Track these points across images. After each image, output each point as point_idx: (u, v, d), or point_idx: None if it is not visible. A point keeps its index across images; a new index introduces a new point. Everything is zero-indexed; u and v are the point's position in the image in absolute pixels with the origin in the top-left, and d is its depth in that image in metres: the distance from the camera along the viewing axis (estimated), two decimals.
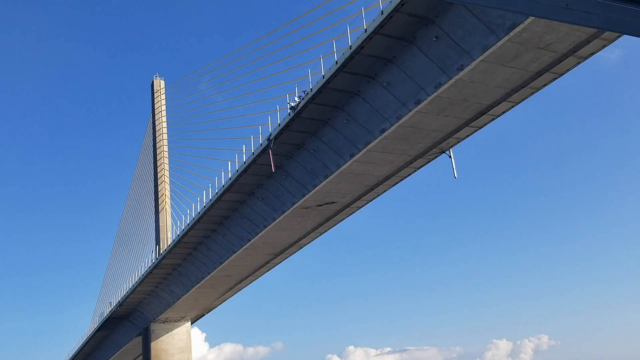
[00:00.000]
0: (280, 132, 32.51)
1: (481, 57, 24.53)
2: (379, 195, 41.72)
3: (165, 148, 76.65)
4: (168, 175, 74.50)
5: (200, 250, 49.62)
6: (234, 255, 46.57)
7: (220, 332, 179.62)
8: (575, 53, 25.92)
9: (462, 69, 25.20)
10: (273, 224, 40.78)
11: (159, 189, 74.61)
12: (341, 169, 33.53)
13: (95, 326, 74.88)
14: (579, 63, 27.91)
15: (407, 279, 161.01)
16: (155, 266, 53.43)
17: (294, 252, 52.84)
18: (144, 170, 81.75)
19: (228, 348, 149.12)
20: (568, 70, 28.39)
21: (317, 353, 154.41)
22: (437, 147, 33.59)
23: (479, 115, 30.00)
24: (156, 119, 78.37)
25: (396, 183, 39.85)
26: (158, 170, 75.52)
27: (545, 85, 29.57)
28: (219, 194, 40.19)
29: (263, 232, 42.11)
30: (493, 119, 32.70)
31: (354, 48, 26.21)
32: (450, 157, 36.55)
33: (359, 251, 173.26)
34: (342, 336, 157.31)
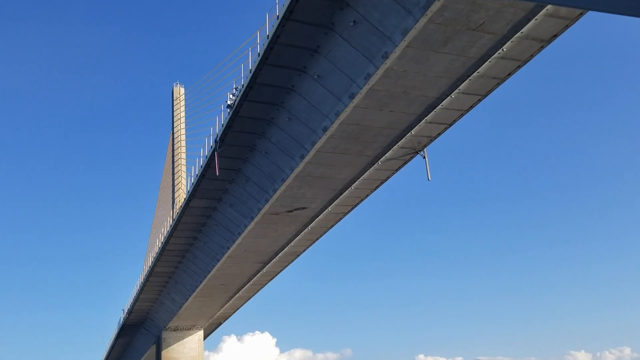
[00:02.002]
0: (225, 133, 30.60)
1: (404, 43, 21.65)
2: (361, 200, 39.21)
3: (183, 155, 76.55)
4: (184, 183, 74.24)
5: (189, 258, 48.39)
6: (219, 264, 44.96)
7: (291, 337, 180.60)
8: (522, 34, 22.64)
9: (387, 57, 22.38)
10: (246, 231, 38.84)
11: (176, 197, 74.48)
12: (296, 172, 31.20)
13: (115, 333, 75.39)
14: (542, 47, 24.63)
15: (478, 284, 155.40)
16: (150, 274, 52.71)
17: (292, 260, 50.93)
18: (167, 178, 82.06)
19: (298, 354, 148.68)
20: (532, 56, 25.13)
21: None
22: (398, 146, 30.80)
23: (430, 109, 26.97)
24: (175, 126, 78.52)
25: (377, 186, 37.25)
26: (175, 177, 75.43)
27: (510, 74, 26.36)
28: (186, 200, 38.79)
29: (239, 239, 40.26)
30: (462, 114, 29.67)
31: (270, 37, 23.95)
32: (424, 157, 33.76)
33: (426, 255, 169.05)
34: (411, 343, 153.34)
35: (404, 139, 30.02)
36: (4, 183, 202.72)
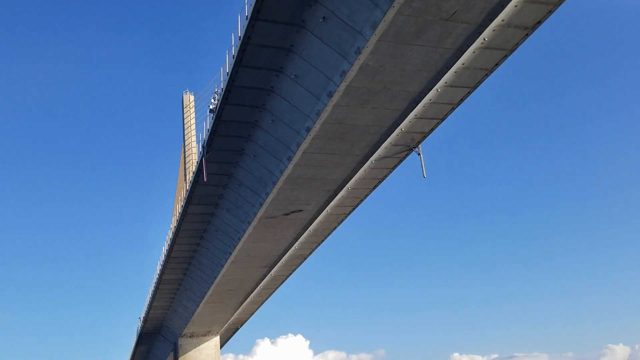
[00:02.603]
0: (211, 138, 30.25)
1: (376, 37, 20.92)
2: (361, 200, 38.61)
3: (194, 162, 76.71)
4: None
5: (195, 265, 48.24)
6: (224, 269, 44.64)
7: (324, 339, 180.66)
8: (503, 22, 21.81)
9: (360, 52, 21.70)
10: (245, 236, 38.41)
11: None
12: (286, 174, 30.64)
13: (134, 341, 75.85)
14: (527, 35, 23.77)
15: (511, 282, 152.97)
16: (159, 281, 52.76)
17: (299, 263, 50.48)
18: (180, 185, 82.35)
19: (331, 355, 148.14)
20: (517, 44, 24.25)
21: None
22: (390, 144, 30.09)
23: (414, 104, 26.14)
24: (185, 133, 78.79)
25: (375, 186, 36.62)
26: (187, 185, 75.58)
27: (497, 64, 25.49)
28: (183, 208, 38.62)
29: (240, 244, 39.86)
30: (453, 108, 28.86)
31: (242, 38, 23.49)
32: (419, 154, 33.03)
33: (460, 255, 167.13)
34: (445, 342, 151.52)
35: (395, 136, 29.33)
36: (21, 188, 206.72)
